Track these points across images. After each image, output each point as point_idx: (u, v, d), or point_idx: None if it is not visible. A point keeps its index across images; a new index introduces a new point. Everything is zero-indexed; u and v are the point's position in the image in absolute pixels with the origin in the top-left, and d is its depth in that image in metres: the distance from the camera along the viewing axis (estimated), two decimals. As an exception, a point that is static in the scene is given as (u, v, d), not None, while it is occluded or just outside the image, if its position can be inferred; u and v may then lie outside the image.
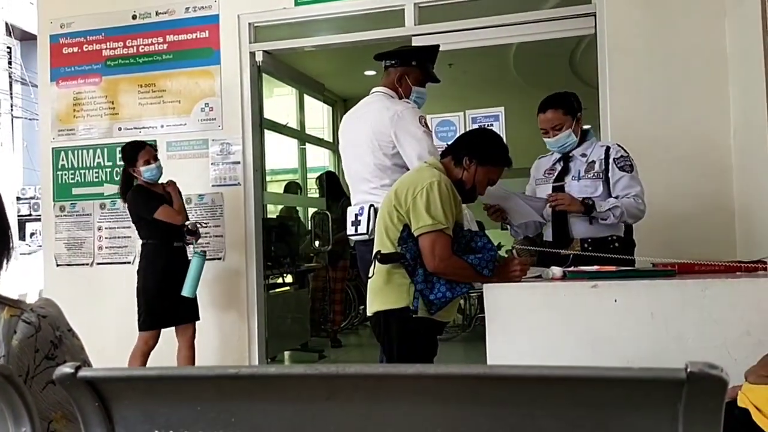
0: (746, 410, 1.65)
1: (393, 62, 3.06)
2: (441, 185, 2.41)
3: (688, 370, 0.63)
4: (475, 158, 2.53)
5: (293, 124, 6.60)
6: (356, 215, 2.96)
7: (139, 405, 0.79)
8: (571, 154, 2.95)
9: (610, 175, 2.83)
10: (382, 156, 2.89)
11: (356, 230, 2.96)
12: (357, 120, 3.02)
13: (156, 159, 3.83)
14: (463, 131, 3.99)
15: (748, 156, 3.42)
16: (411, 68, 3.05)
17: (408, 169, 2.83)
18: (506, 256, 2.66)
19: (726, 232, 3.56)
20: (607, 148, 2.89)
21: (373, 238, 2.80)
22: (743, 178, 3.50)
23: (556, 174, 2.99)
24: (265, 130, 4.72)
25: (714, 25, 3.67)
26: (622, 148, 2.89)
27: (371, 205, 2.88)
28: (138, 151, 3.79)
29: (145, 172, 3.76)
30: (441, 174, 2.48)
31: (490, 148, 2.58)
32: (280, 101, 6.79)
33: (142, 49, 4.54)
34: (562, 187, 2.91)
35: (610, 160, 2.85)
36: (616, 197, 2.80)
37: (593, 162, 2.89)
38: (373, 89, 3.08)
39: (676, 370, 0.63)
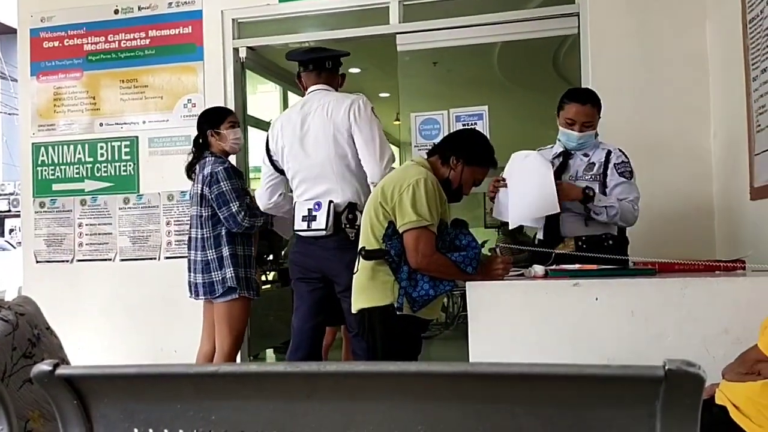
0: (724, 408, 1.67)
1: (336, 64, 3.08)
2: (427, 182, 2.42)
3: (666, 367, 0.63)
4: (462, 158, 2.55)
5: (277, 121, 6.57)
6: (309, 210, 2.88)
7: (118, 403, 0.79)
8: (572, 152, 2.92)
9: (608, 179, 2.82)
10: (341, 146, 2.85)
11: (309, 226, 2.87)
12: (307, 117, 2.94)
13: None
14: (447, 129, 4.00)
15: (727, 158, 3.46)
16: (341, 73, 3.13)
17: (359, 161, 2.86)
18: (490, 254, 2.66)
19: (706, 232, 3.60)
20: (608, 152, 2.87)
21: (329, 235, 2.82)
22: (723, 179, 3.54)
23: (554, 170, 2.93)
24: (249, 127, 4.70)
25: (695, 28, 3.70)
26: (624, 153, 2.87)
27: (330, 201, 2.84)
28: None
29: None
30: (427, 172, 2.50)
31: (477, 149, 2.60)
32: (264, 98, 6.76)
33: (124, 44, 4.49)
34: (559, 185, 2.86)
35: (611, 165, 2.83)
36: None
37: (593, 164, 2.87)
38: (316, 87, 3.02)
39: (654, 368, 0.63)
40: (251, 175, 4.87)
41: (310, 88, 3.04)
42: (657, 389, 0.65)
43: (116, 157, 4.48)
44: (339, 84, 3.11)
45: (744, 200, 3.11)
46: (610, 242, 2.81)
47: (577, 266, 2.49)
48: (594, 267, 2.46)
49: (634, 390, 0.67)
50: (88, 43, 4.55)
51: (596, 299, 2.21)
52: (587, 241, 2.79)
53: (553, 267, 2.53)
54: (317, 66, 3.04)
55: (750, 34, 3.01)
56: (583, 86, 3.85)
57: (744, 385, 1.65)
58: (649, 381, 0.64)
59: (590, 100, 2.85)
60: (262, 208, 3.17)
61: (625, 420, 0.68)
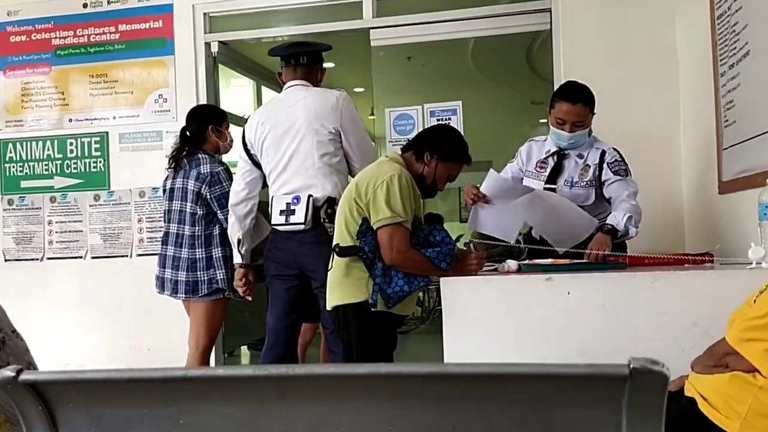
0: (693, 399, 1.70)
1: (313, 59, 3.04)
2: (401, 179, 2.42)
3: (631, 366, 0.64)
4: (437, 154, 2.55)
5: (251, 116, 6.52)
6: (288, 204, 2.85)
7: (84, 408, 0.78)
8: (566, 152, 2.83)
9: (603, 179, 2.75)
10: (326, 142, 2.83)
11: (287, 220, 2.84)
12: (287, 110, 2.91)
13: None
14: (421, 124, 4.01)
15: (696, 152, 3.51)
16: (321, 67, 3.09)
17: (346, 157, 2.86)
18: (464, 249, 2.67)
19: (676, 226, 3.66)
20: (603, 152, 2.79)
21: (308, 229, 2.80)
22: (692, 174, 3.60)
23: (548, 171, 2.86)
24: (222, 122, 4.65)
25: (665, 23, 3.75)
26: (618, 152, 2.79)
27: (310, 195, 2.81)
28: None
29: None
30: (401, 168, 2.49)
31: (451, 145, 2.61)
32: (238, 92, 6.70)
33: (93, 38, 4.42)
34: (554, 190, 2.80)
35: (604, 165, 2.75)
36: (609, 198, 2.74)
37: (588, 166, 2.79)
38: (294, 82, 2.99)
39: (619, 366, 0.64)
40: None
41: (287, 84, 3.02)
42: (622, 387, 0.66)
43: (86, 154, 4.41)
44: (319, 79, 3.06)
45: (713, 194, 3.17)
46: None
47: (549, 261, 2.51)
48: (566, 261, 2.48)
49: (600, 388, 0.67)
50: (56, 38, 4.48)
51: (568, 293, 2.23)
52: (587, 241, 2.64)
53: (527, 262, 2.55)
54: (295, 61, 3.01)
55: (718, 31, 3.06)
56: (554, 82, 3.88)
57: (712, 377, 1.67)
58: (614, 379, 0.65)
59: (582, 98, 2.73)
60: (234, 203, 3.12)
61: (593, 417, 0.69)
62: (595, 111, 2.81)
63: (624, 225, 2.60)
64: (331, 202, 2.81)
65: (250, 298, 3.21)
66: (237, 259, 3.12)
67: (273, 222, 2.91)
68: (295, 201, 2.84)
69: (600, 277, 2.30)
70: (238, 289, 3.15)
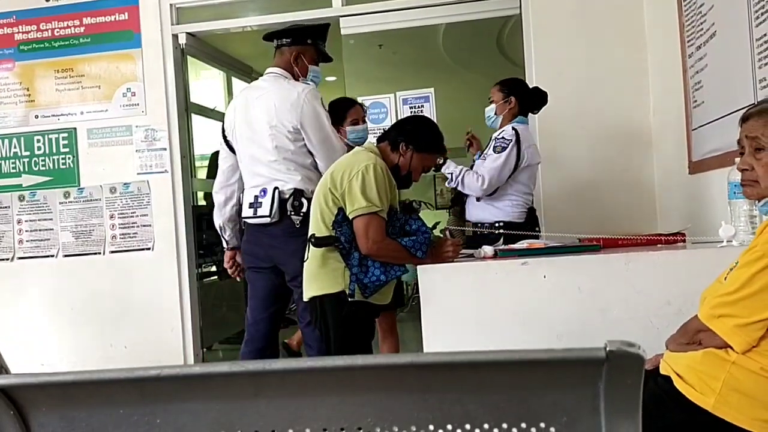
0: (668, 377, 1.72)
1: (287, 41, 2.95)
2: (377, 168, 2.41)
3: (608, 349, 0.64)
4: (412, 145, 2.55)
5: (222, 107, 6.45)
6: (256, 197, 2.83)
7: (57, 411, 0.76)
8: (492, 136, 3.21)
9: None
10: (284, 139, 2.79)
11: (255, 212, 2.81)
12: (254, 101, 2.88)
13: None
14: (394, 113, 4.00)
15: (666, 133, 3.55)
16: (306, 47, 2.96)
17: (311, 152, 2.82)
18: (440, 236, 2.69)
19: (648, 206, 3.71)
20: (503, 131, 3.11)
21: (276, 222, 2.79)
22: (662, 154, 3.64)
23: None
24: (193, 115, 4.60)
25: (634, 6, 3.78)
26: (516, 132, 3.05)
27: (276, 188, 2.78)
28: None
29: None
30: (377, 157, 2.49)
31: (426, 136, 2.61)
32: (207, 84, 6.62)
33: (57, 32, 4.33)
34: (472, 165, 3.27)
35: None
36: (471, 167, 3.22)
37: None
38: (268, 69, 2.95)
39: (595, 350, 0.64)
40: (197, 164, 4.78)
41: (266, 70, 2.98)
42: (599, 371, 0.66)
43: (54, 150, 4.33)
44: (297, 65, 2.95)
45: (683, 174, 3.21)
46: (501, 230, 3.03)
47: (525, 245, 2.53)
48: (542, 245, 2.50)
49: (578, 372, 0.68)
50: (19, 32, 4.37)
51: (544, 277, 2.25)
52: (482, 226, 3.09)
53: (502, 247, 2.56)
54: (279, 45, 2.96)
55: (685, 12, 3.09)
56: (525, 66, 3.92)
57: (686, 354, 1.70)
58: (591, 363, 0.65)
59: (497, 82, 3.29)
60: (214, 190, 3.10)
61: (570, 402, 0.69)
62: (514, 97, 3.18)
63: (447, 171, 3.19)
64: (298, 195, 2.78)
65: (238, 279, 3.25)
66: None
67: (243, 214, 2.90)
68: (262, 193, 2.82)
69: (575, 260, 2.32)
70: (227, 270, 3.22)
